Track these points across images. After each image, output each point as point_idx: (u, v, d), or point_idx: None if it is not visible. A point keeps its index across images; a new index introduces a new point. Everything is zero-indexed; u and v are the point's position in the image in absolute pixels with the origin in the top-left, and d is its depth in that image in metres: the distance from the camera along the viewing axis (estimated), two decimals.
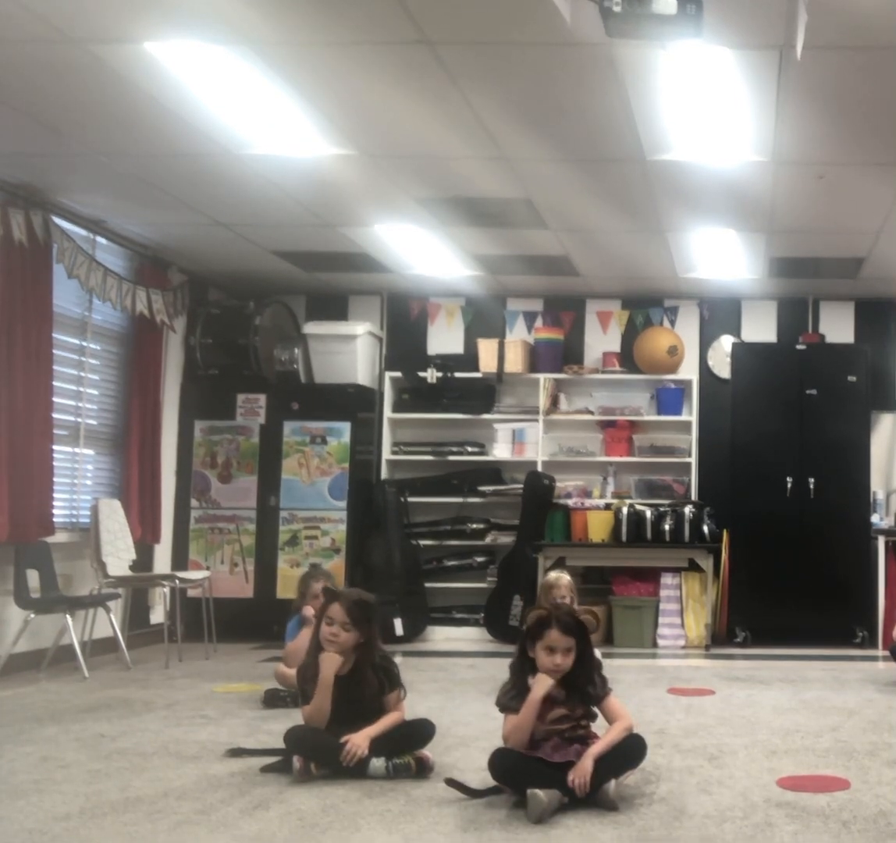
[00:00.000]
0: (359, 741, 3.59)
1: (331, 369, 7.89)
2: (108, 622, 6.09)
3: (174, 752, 4.00)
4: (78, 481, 6.59)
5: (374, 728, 3.66)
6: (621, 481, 8.16)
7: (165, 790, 3.44)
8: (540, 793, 3.12)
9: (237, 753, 3.91)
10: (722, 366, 8.17)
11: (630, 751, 3.43)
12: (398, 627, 7.44)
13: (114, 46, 4.06)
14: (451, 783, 3.44)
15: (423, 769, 3.63)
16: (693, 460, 8.01)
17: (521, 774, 3.27)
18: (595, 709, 3.52)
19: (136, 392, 6.98)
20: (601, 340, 8.31)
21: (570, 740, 3.42)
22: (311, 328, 7.98)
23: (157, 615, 7.03)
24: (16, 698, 5.12)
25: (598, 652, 3.78)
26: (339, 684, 3.69)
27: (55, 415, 6.12)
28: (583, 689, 3.47)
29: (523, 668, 3.52)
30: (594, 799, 3.26)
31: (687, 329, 8.27)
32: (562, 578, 5.44)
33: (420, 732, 3.78)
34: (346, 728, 3.64)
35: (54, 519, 6.08)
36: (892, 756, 4.01)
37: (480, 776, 3.56)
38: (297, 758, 3.57)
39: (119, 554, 6.41)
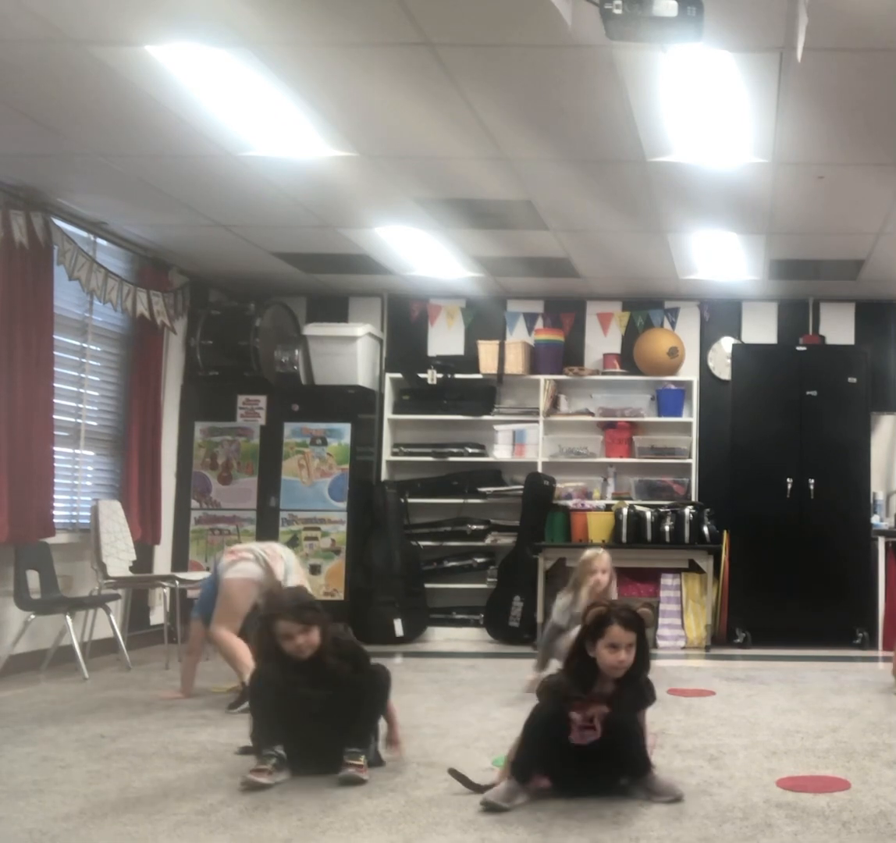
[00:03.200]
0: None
1: (331, 371, 7.89)
2: (108, 623, 6.10)
3: (174, 752, 4.01)
4: (78, 481, 6.60)
5: (394, 727, 3.83)
6: (621, 482, 8.16)
7: (165, 791, 3.44)
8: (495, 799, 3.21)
9: (248, 751, 3.87)
10: (722, 367, 8.18)
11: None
12: (398, 628, 7.45)
13: (115, 48, 4.07)
14: (454, 774, 3.44)
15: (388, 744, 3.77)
16: (693, 461, 8.01)
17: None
18: None
19: (136, 393, 6.99)
20: (601, 341, 8.32)
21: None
22: (311, 330, 7.99)
23: (157, 616, 7.03)
24: (16, 699, 5.12)
25: None
26: (306, 675, 3.66)
27: (56, 416, 6.12)
28: (638, 687, 3.49)
29: (583, 666, 3.45)
30: (649, 789, 3.35)
31: (687, 331, 8.27)
32: (600, 554, 5.42)
33: (375, 683, 3.75)
34: (321, 722, 3.62)
35: (54, 520, 6.08)
36: (892, 757, 4.01)
37: (481, 777, 3.56)
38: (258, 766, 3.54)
39: (119, 555, 6.41)
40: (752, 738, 4.35)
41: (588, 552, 5.48)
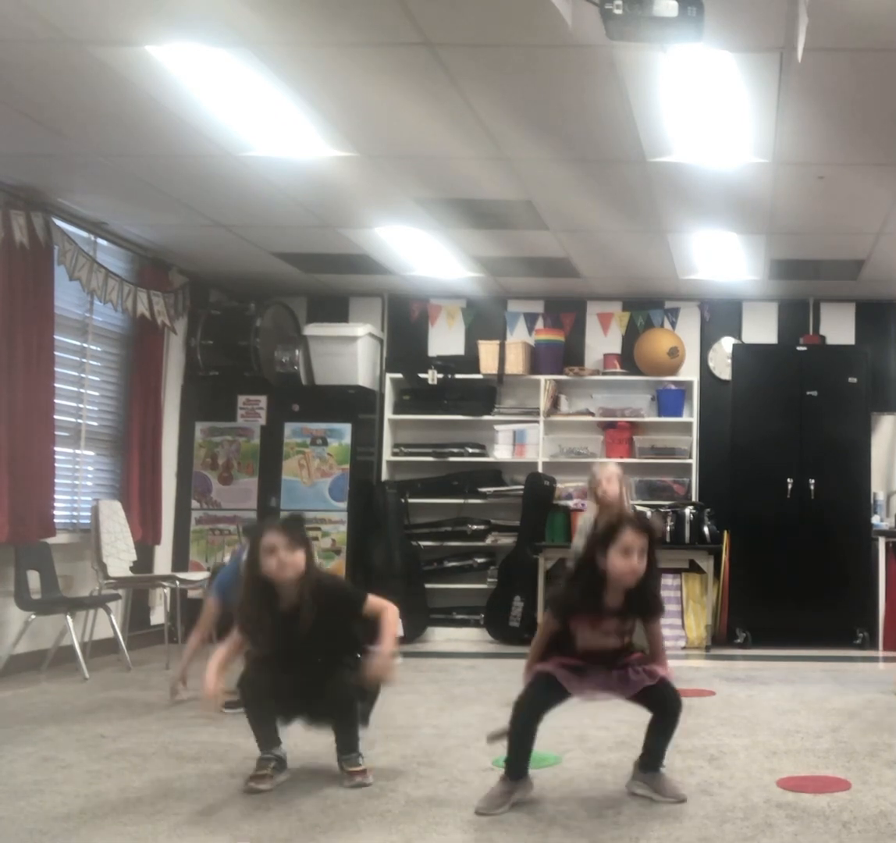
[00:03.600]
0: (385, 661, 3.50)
1: (331, 371, 7.89)
2: (109, 623, 6.09)
3: (174, 753, 4.01)
4: (79, 482, 6.60)
5: (388, 640, 3.56)
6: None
7: (165, 791, 3.44)
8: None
9: (232, 705, 3.79)
10: (722, 367, 8.18)
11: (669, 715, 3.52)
12: (399, 628, 7.43)
13: (115, 49, 4.07)
14: (492, 737, 3.47)
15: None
16: (694, 461, 8.01)
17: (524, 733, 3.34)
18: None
19: (136, 394, 6.99)
20: (602, 341, 8.32)
21: (612, 667, 3.38)
22: (311, 330, 7.99)
23: (158, 616, 7.03)
24: (16, 699, 5.13)
25: None
26: (290, 617, 3.50)
27: (56, 416, 6.13)
28: (646, 597, 3.40)
29: (592, 578, 3.35)
30: (656, 787, 3.37)
31: (687, 331, 8.27)
32: (606, 464, 5.35)
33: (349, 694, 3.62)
34: (312, 664, 3.54)
35: (55, 520, 6.08)
36: (893, 757, 4.01)
37: (481, 777, 3.57)
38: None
39: (119, 555, 6.41)
40: (752, 738, 4.34)
41: (596, 466, 5.42)
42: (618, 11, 3.10)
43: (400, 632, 3.66)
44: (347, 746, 3.59)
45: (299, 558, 3.53)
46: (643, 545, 3.30)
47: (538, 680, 3.37)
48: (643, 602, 3.40)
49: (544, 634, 3.46)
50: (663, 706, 3.51)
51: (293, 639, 3.51)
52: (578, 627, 3.36)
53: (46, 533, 5.96)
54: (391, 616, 3.64)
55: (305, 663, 3.56)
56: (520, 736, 3.35)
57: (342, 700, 3.59)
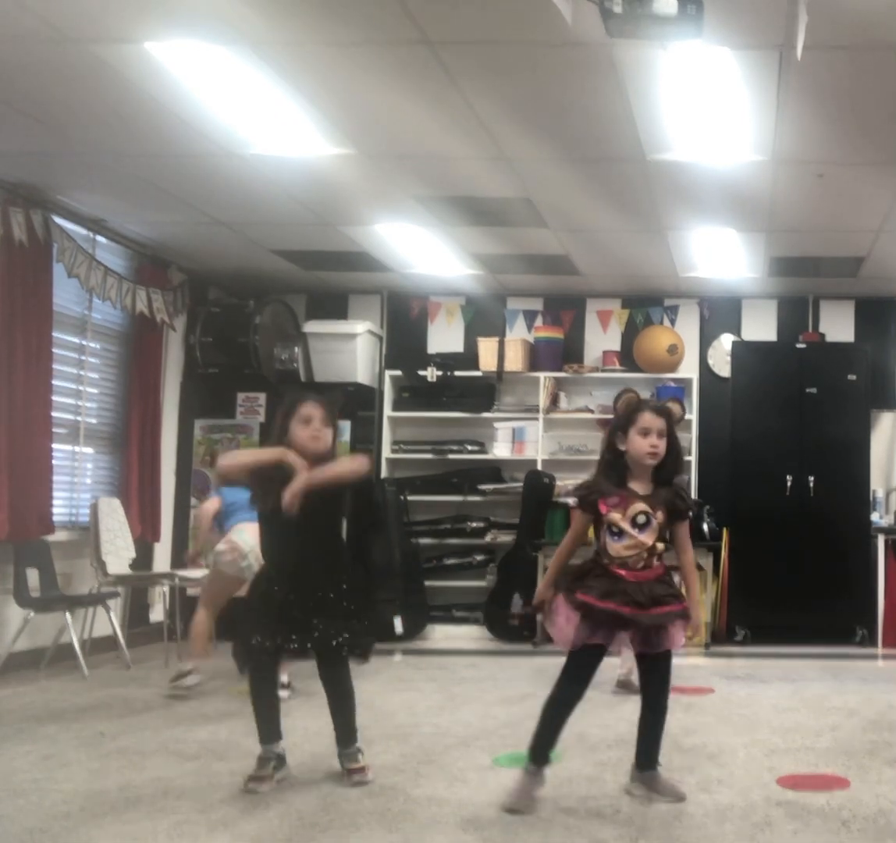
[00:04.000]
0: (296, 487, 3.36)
1: (331, 368, 7.89)
2: (108, 621, 6.09)
3: (174, 751, 4.01)
4: (78, 479, 6.60)
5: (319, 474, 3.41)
6: None
7: (165, 789, 3.45)
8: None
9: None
10: (722, 365, 8.17)
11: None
12: (398, 625, 7.44)
13: (114, 46, 4.06)
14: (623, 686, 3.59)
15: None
16: (693, 458, 8.01)
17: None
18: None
19: (136, 391, 6.99)
20: (601, 338, 8.32)
21: (643, 569, 3.32)
22: (311, 327, 7.98)
23: (157, 614, 7.03)
24: (16, 697, 5.13)
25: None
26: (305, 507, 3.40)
27: (55, 414, 6.12)
28: (671, 484, 3.39)
29: (617, 464, 3.37)
30: (653, 787, 3.38)
31: (687, 328, 8.27)
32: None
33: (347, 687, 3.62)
34: (308, 553, 3.50)
35: (54, 518, 6.08)
36: (892, 755, 4.01)
37: (481, 776, 3.57)
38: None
39: (119, 553, 6.41)
40: (751, 736, 4.35)
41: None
42: (617, 9, 3.10)
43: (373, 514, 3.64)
44: (347, 737, 3.61)
45: (329, 437, 3.51)
46: (661, 427, 3.34)
47: (575, 659, 3.34)
48: (669, 491, 3.38)
49: (573, 533, 3.43)
50: (651, 688, 3.53)
51: (290, 516, 3.39)
52: (608, 518, 3.30)
53: (45, 531, 5.96)
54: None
55: (301, 549, 3.49)
56: (553, 719, 3.34)
57: (342, 690, 3.61)
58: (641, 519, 3.30)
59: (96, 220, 6.44)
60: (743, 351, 7.80)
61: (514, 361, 8.01)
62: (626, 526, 3.29)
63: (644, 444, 3.31)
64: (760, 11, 3.69)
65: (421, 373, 8.00)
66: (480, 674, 6.03)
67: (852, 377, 7.61)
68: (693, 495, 7.91)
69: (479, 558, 7.99)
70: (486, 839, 2.96)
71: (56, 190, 5.87)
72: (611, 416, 7.88)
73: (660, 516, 3.33)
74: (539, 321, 8.27)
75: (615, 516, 3.30)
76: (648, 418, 3.33)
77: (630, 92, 4.41)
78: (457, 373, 8.04)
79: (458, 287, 8.07)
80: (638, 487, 3.35)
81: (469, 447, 8.05)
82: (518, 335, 8.19)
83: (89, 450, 6.73)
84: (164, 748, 4.05)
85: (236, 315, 7.59)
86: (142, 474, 6.96)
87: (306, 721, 4.52)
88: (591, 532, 3.42)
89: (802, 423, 7.58)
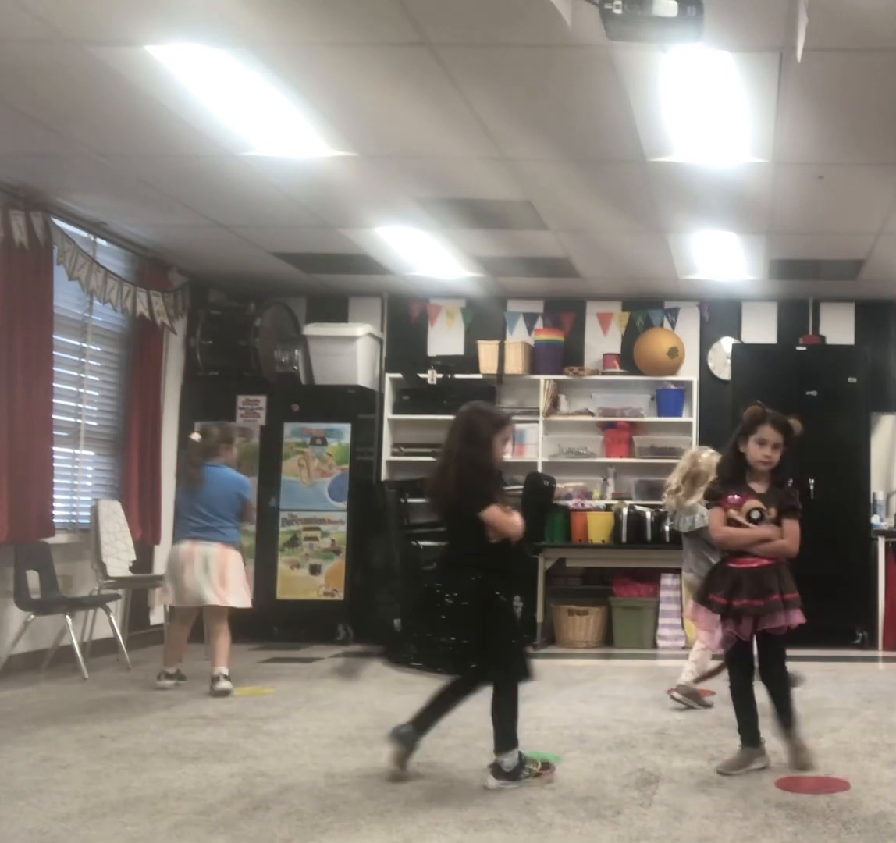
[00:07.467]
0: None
1: (331, 371, 7.89)
2: (108, 623, 6.09)
3: (174, 752, 4.01)
4: (78, 481, 6.60)
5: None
6: (621, 482, 8.16)
7: (165, 791, 3.44)
8: None
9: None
10: (722, 367, 8.18)
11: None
12: (398, 628, 7.43)
13: (114, 49, 4.07)
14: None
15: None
16: None
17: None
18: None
19: (136, 393, 6.99)
20: (601, 341, 8.32)
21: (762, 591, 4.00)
22: (311, 330, 7.99)
23: (157, 616, 7.04)
24: (16, 699, 5.13)
25: None
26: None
27: (55, 416, 6.13)
28: (785, 486, 3.92)
29: (736, 463, 3.88)
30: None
31: (687, 331, 8.27)
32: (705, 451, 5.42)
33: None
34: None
35: (54, 520, 6.08)
36: (892, 757, 4.01)
37: (482, 777, 3.56)
38: None
39: (119, 555, 6.41)
40: None
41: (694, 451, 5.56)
42: (617, 11, 3.10)
43: None
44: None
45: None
46: (778, 440, 3.85)
47: (730, 660, 3.95)
48: (783, 491, 3.92)
49: (719, 524, 3.88)
50: (763, 660, 3.99)
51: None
52: (728, 514, 3.82)
53: (46, 533, 5.96)
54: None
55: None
56: (736, 704, 3.87)
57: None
58: (756, 515, 3.83)
59: (97, 222, 6.45)
60: (743, 354, 7.80)
61: (515, 363, 8.01)
62: (742, 520, 3.81)
63: (759, 453, 3.82)
64: (760, 13, 3.70)
65: (421, 376, 8.00)
66: None
67: (852, 380, 7.61)
68: None
69: None
70: (486, 839, 2.95)
71: (57, 192, 5.88)
72: (611, 418, 7.99)
73: (772, 512, 3.86)
74: (539, 324, 8.27)
75: (733, 511, 3.82)
76: (767, 431, 3.84)
77: (630, 94, 4.41)
78: (457, 376, 8.04)
79: (459, 290, 8.08)
80: (756, 486, 3.86)
81: None
82: (518, 338, 8.19)
83: (90, 452, 6.73)
84: (164, 750, 4.05)
85: (237, 318, 7.60)
86: (142, 477, 6.96)
87: (306, 723, 4.53)
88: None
89: (802, 425, 7.55)
